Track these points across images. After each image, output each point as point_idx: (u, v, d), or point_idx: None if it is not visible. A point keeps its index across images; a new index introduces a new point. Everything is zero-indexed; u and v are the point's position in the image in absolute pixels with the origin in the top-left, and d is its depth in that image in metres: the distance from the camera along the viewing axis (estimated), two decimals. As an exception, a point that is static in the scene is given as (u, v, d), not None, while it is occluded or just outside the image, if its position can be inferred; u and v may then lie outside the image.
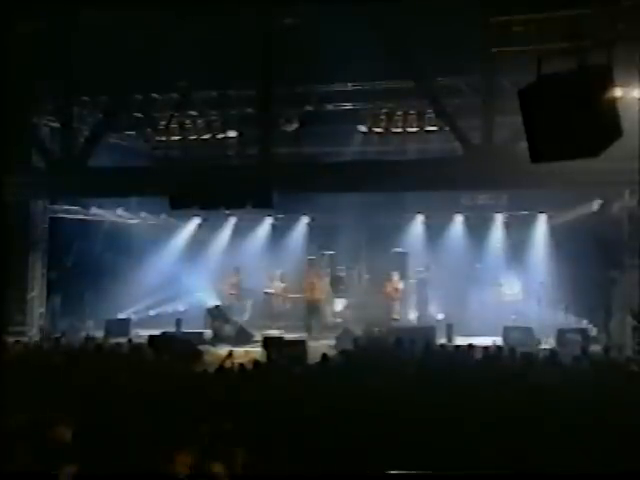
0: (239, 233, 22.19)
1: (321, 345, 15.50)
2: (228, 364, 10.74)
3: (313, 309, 19.86)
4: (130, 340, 15.04)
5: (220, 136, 16.94)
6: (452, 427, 6.70)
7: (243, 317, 20.40)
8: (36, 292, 18.35)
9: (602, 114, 6.05)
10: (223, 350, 13.58)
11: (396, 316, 19.74)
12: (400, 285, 19.99)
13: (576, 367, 10.72)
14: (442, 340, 15.93)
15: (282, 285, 21.05)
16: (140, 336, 16.01)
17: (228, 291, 21.22)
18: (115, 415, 6.81)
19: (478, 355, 12.00)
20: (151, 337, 14.58)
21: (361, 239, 21.26)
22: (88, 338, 15.30)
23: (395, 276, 19.98)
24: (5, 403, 6.59)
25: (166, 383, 8.78)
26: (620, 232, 16.57)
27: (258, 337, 16.96)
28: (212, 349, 15.68)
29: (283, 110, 16.00)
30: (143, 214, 21.74)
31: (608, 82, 6.15)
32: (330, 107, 16.88)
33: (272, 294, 21.03)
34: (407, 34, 13.45)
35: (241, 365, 10.53)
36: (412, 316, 20.69)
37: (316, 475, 5.80)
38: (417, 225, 21.19)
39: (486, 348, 12.63)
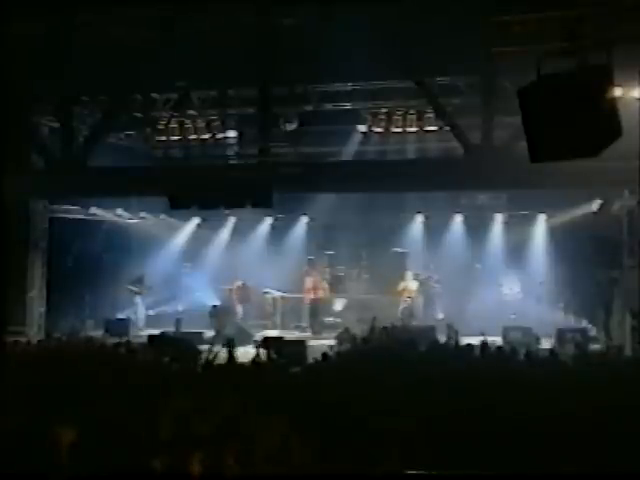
0: (239, 233, 22.16)
1: (321, 345, 15.48)
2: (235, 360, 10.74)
3: (313, 309, 19.85)
4: (129, 340, 15.02)
5: (220, 136, 16.92)
6: (452, 427, 6.70)
7: (241, 317, 20.38)
8: (36, 292, 18.31)
9: (602, 114, 6.06)
10: (222, 350, 13.55)
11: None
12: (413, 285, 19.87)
13: (575, 366, 10.70)
14: (442, 339, 15.89)
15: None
16: (140, 336, 16.00)
17: (237, 293, 20.90)
18: (114, 414, 6.81)
19: (477, 354, 11.98)
20: (150, 337, 14.59)
21: (361, 239, 21.22)
22: (87, 338, 15.28)
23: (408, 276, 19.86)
24: (5, 403, 6.59)
25: (165, 382, 8.77)
26: (620, 232, 16.58)
27: (258, 337, 16.93)
28: (211, 349, 15.63)
29: (283, 110, 16.00)
30: (143, 214, 21.72)
31: (608, 82, 6.16)
32: (330, 107, 16.87)
33: (231, 290, 20.82)
34: (407, 34, 13.46)
35: (240, 364, 10.52)
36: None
37: (316, 475, 5.80)
38: (417, 225, 21.16)
39: (485, 348, 12.59)
